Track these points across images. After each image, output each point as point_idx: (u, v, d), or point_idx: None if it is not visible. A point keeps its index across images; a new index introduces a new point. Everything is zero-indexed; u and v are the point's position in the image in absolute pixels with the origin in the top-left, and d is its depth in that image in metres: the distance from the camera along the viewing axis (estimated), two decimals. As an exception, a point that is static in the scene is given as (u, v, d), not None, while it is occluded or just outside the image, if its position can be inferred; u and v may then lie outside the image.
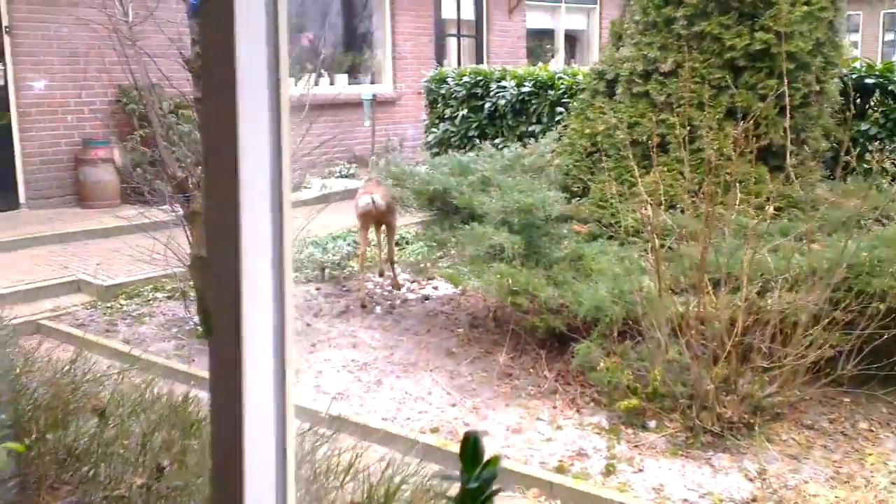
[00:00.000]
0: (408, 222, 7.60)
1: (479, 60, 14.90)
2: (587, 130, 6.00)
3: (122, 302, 6.50)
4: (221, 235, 0.89)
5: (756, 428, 4.17)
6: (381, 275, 7.04)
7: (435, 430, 4.37)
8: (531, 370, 5.08)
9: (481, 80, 8.57)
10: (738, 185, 4.61)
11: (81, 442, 2.41)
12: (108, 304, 6.45)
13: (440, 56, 14.55)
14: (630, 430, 4.30)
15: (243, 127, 0.87)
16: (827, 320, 4.14)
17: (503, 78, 8.36)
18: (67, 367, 2.89)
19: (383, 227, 6.68)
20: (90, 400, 2.56)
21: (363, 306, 6.37)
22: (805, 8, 5.28)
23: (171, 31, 5.21)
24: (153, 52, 5.39)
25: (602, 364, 4.39)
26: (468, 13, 15.25)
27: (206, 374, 5.10)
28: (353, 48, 13.79)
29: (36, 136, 9.16)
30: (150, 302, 6.52)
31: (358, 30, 14.05)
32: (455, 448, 4.04)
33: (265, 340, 0.91)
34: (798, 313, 4.19)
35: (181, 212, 5.54)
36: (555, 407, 4.61)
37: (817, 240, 4.60)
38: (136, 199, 7.15)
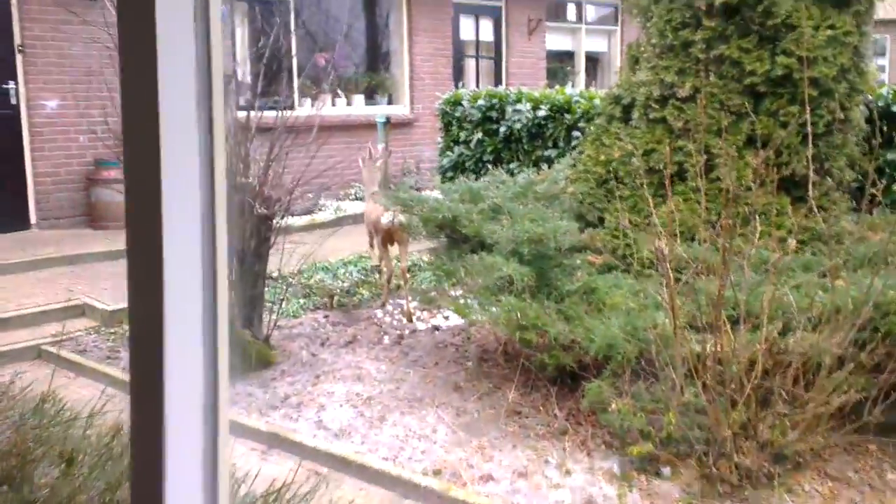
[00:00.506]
0: (419, 248, 7.44)
1: (498, 82, 14.78)
2: (602, 157, 5.81)
3: (126, 327, 6.35)
4: (143, 281, 0.83)
5: (776, 478, 3.93)
6: (384, 306, 6.87)
7: (437, 473, 4.17)
8: (541, 408, 4.87)
9: (497, 103, 8.41)
10: (758, 216, 4.39)
11: (41, 495, 2.24)
12: (112, 330, 6.32)
13: (458, 77, 14.45)
14: (643, 477, 4.07)
15: (167, 166, 0.83)
16: (852, 363, 3.92)
17: (519, 101, 8.19)
18: (37, 405, 2.73)
19: (395, 245, 6.65)
20: (53, 447, 2.40)
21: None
22: (829, 32, 5.07)
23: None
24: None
25: (614, 405, 4.17)
26: (487, 34, 15.14)
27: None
28: (372, 68, 13.71)
29: (48, 155, 9.10)
30: (154, 329, 6.38)
31: (379, 50, 13.97)
32: (457, 493, 3.85)
33: (192, 398, 0.87)
34: (822, 355, 3.96)
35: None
36: (564, 449, 4.40)
37: (842, 276, 4.37)
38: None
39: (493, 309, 4.76)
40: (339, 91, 12.80)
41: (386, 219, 6.41)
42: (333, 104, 12.46)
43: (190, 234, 0.86)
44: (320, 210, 10.71)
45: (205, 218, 0.87)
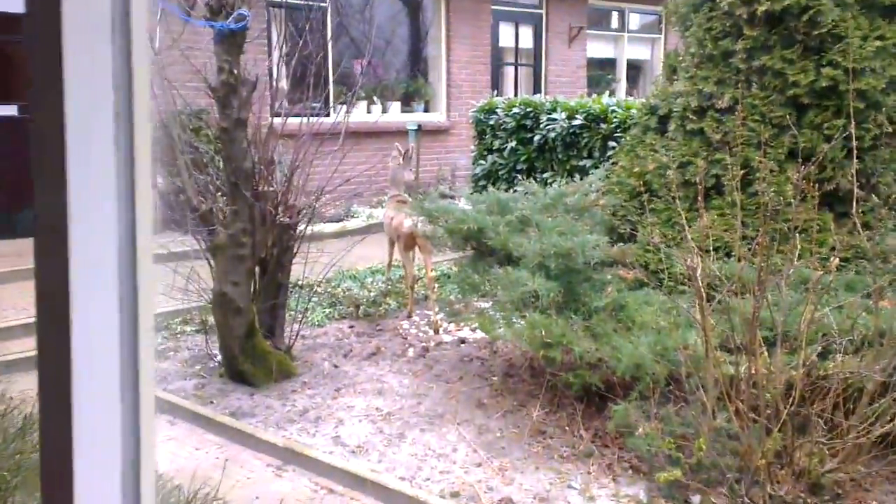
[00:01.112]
0: (448, 257, 7.30)
1: (537, 90, 14.61)
2: (636, 169, 5.61)
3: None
4: (50, 309, 0.81)
5: (812, 510, 3.71)
6: (410, 316, 6.75)
7: (455, 495, 4.01)
8: (566, 428, 4.70)
9: (531, 112, 8.26)
10: (799, 233, 4.18)
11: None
12: (135, 337, 6.26)
13: (497, 85, 14.30)
14: (670, 506, 3.88)
15: (75, 179, 0.80)
16: (896, 390, 3.68)
17: (554, 110, 8.03)
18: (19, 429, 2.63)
19: (417, 250, 6.55)
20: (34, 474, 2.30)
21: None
22: (878, 43, 4.84)
23: (200, 57, 5.04)
24: (183, 79, 5.22)
25: (641, 429, 3.98)
26: (526, 42, 14.99)
27: (224, 418, 4.85)
28: (410, 75, 13.62)
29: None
30: (178, 336, 6.33)
31: (418, 56, 13.89)
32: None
33: (106, 378, 0.82)
34: (864, 380, 3.74)
35: (206, 244, 5.33)
36: (589, 472, 4.22)
37: (887, 297, 4.14)
38: (177, 226, 7.00)
39: (518, 325, 4.60)
40: (375, 97, 12.73)
41: (408, 224, 6.31)
42: (368, 111, 12.40)
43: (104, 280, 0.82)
44: (353, 217, 10.63)
45: (123, 242, 0.82)
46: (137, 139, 0.83)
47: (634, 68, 17.42)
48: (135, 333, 0.84)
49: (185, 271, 5.48)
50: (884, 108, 4.87)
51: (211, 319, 5.86)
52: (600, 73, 16.58)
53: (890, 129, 4.93)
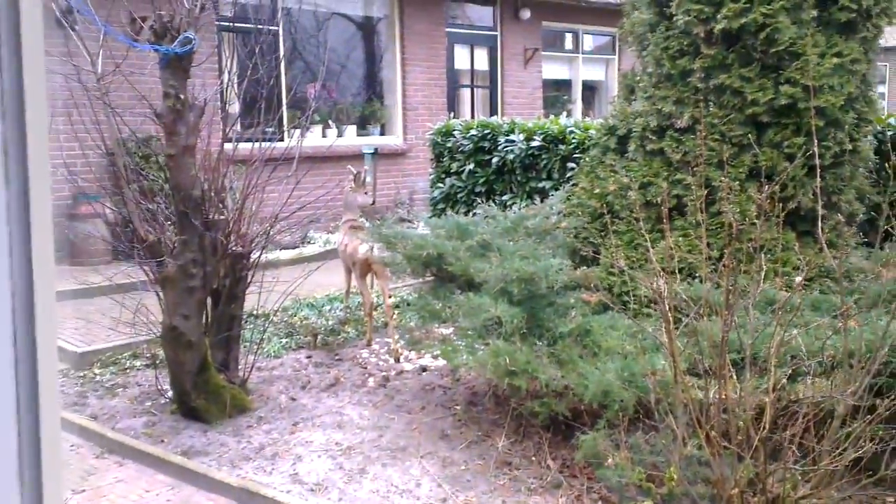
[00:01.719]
0: (409, 282, 7.15)
1: (494, 111, 14.58)
2: (597, 190, 5.53)
3: (96, 371, 6.04)
4: None
5: (788, 540, 3.60)
6: (369, 345, 6.57)
7: (419, 534, 3.84)
8: (533, 458, 4.55)
9: (489, 134, 8.17)
10: (763, 252, 4.10)
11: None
12: (81, 373, 6.00)
13: (453, 107, 14.24)
14: (642, 539, 3.74)
15: None
16: (868, 413, 3.60)
17: (512, 131, 7.95)
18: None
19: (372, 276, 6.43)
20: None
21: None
22: (836, 60, 4.82)
23: (144, 82, 4.85)
24: (125, 106, 5.02)
25: (611, 459, 3.85)
26: (482, 64, 14.97)
27: (176, 458, 4.62)
28: (365, 98, 13.49)
29: (27, 189, 8.81)
30: (127, 371, 6.07)
31: (373, 80, 13.77)
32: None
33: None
34: (835, 404, 3.65)
35: (154, 275, 5.11)
36: (557, 505, 4.08)
37: (852, 316, 4.07)
38: (125, 257, 6.77)
39: (480, 353, 4.45)
40: (330, 121, 12.58)
41: (363, 250, 6.17)
42: (324, 135, 12.23)
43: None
44: (309, 243, 10.43)
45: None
46: (33, 170, 0.76)
47: (589, 89, 17.51)
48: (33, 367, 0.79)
49: (131, 304, 5.24)
50: (844, 125, 4.85)
51: (162, 353, 5.63)
52: (556, 94, 16.63)
53: (850, 147, 4.91)
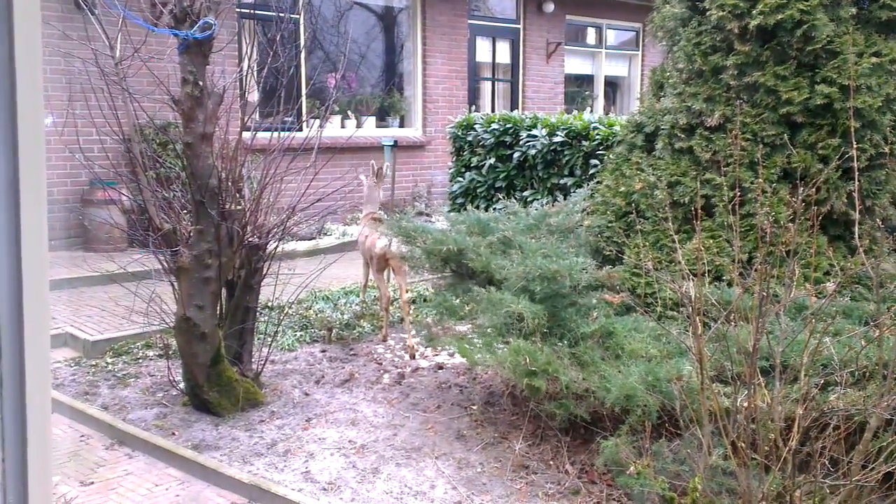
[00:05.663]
0: (423, 279, 7.03)
1: (514, 105, 14.43)
2: (622, 188, 5.39)
3: (109, 360, 5.96)
4: None
5: (817, 557, 3.47)
6: (385, 340, 6.47)
7: (433, 538, 3.73)
8: (551, 462, 4.43)
9: (511, 128, 8.03)
10: (794, 257, 3.96)
11: None
12: (94, 362, 5.93)
13: (473, 100, 14.10)
14: (664, 551, 3.62)
15: None
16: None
17: (534, 126, 7.81)
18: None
19: (391, 271, 6.31)
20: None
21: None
22: (874, 59, 4.65)
23: (163, 68, 4.76)
24: (144, 91, 4.93)
25: (633, 467, 3.73)
26: (504, 57, 14.81)
27: (187, 452, 4.53)
28: (385, 90, 13.37)
29: (43, 173, 8.75)
30: (139, 360, 5.99)
31: (394, 71, 13.65)
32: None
33: None
34: (867, 416, 3.51)
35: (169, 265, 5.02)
36: (576, 512, 3.96)
37: (890, 326, 3.92)
38: (140, 245, 6.69)
39: (500, 350, 4.34)
40: (350, 112, 12.47)
41: (381, 244, 6.06)
42: (343, 126, 12.13)
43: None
44: (326, 235, 10.33)
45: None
46: (24, 158, 0.71)
47: (612, 85, 17.31)
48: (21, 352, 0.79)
49: (145, 293, 5.15)
50: (881, 127, 4.68)
51: (174, 344, 5.54)
52: (577, 89, 16.44)
53: (886, 150, 4.74)
